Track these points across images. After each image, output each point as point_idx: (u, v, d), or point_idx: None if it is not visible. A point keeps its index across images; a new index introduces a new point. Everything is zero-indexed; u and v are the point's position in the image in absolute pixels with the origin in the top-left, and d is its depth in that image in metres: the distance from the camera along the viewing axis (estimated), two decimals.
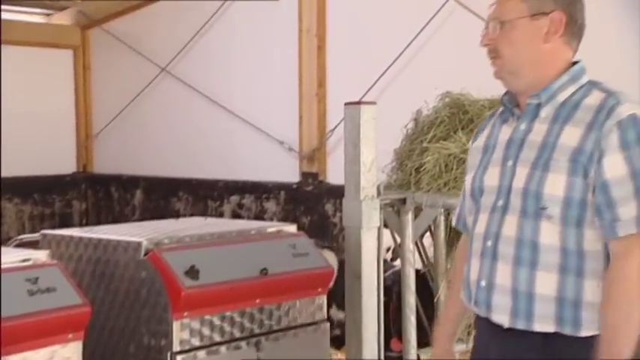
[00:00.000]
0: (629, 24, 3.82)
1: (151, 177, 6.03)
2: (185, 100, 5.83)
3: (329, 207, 5.16)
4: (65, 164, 6.24)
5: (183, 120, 5.90)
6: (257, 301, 2.56)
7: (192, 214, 5.65)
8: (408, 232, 3.01)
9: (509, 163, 1.60)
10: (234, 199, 5.60)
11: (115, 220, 5.93)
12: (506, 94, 1.66)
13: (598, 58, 3.82)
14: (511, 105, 1.65)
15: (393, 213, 3.03)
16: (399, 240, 3.07)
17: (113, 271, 2.48)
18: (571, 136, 1.53)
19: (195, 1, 5.69)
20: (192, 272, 2.38)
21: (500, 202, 1.59)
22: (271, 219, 5.41)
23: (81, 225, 6.10)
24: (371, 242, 2.87)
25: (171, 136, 5.96)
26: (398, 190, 3.06)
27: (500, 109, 1.68)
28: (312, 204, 5.23)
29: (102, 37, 6.23)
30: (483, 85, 2.83)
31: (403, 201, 3.01)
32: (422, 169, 3.00)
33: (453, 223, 1.85)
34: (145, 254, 2.42)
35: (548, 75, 1.58)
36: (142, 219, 5.76)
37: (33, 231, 4.67)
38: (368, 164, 2.86)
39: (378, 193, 2.90)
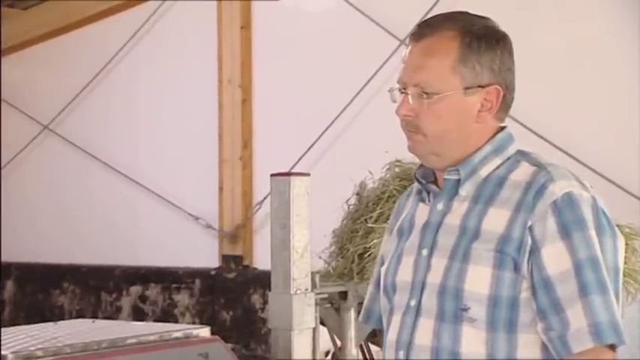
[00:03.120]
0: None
1: (26, 264, 5.91)
2: (74, 165, 5.80)
3: (256, 298, 5.14)
4: None
5: (72, 190, 5.85)
6: None
7: (79, 312, 5.55)
8: (350, 333, 3.03)
9: (424, 252, 1.61)
10: (136, 290, 5.53)
11: None
12: (420, 167, 1.69)
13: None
14: (426, 181, 1.67)
15: (332, 310, 3.05)
16: (339, 343, 3.08)
17: None
18: (496, 220, 1.55)
19: (88, 44, 5.74)
20: None
21: (413, 302, 1.59)
22: (183, 315, 5.35)
23: None
24: (304, 348, 2.87)
25: (54, 211, 5.88)
26: (338, 282, 3.08)
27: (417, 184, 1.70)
28: (235, 295, 5.21)
29: None
30: None
31: (344, 295, 3.03)
32: (367, 254, 3.05)
33: (360, 319, 1.86)
34: None
35: (471, 150, 1.61)
36: (12, 319, 5.60)
37: None
38: (300, 249, 2.89)
39: (313, 286, 2.92)
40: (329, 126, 4.81)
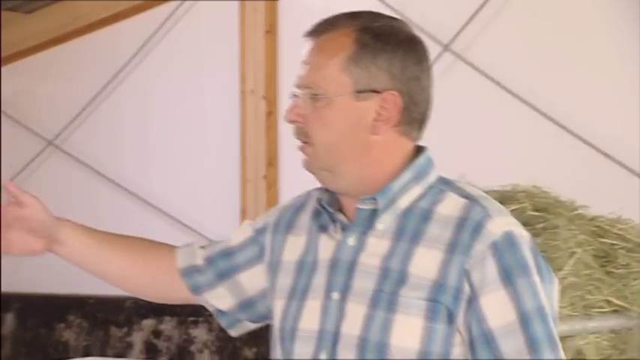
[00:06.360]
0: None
1: (28, 295, 5.92)
2: (80, 184, 5.83)
3: None
4: None
5: (78, 211, 5.62)
6: None
7: (86, 348, 5.53)
8: None
9: (335, 295, 1.52)
10: (148, 324, 5.53)
11: None
12: (326, 191, 1.60)
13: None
14: (332, 208, 1.58)
15: None
16: None
17: None
18: (426, 262, 1.47)
19: (96, 51, 5.77)
20: None
21: (324, 356, 1.51)
22: (201, 352, 5.33)
23: None
24: None
25: None
26: None
27: (314, 206, 1.61)
28: (260, 329, 5.01)
29: None
30: (488, 170, 2.93)
31: None
32: None
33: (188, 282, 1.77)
34: None
35: (381, 172, 1.53)
36: (13, 357, 5.61)
37: None
38: None
39: None
40: None
